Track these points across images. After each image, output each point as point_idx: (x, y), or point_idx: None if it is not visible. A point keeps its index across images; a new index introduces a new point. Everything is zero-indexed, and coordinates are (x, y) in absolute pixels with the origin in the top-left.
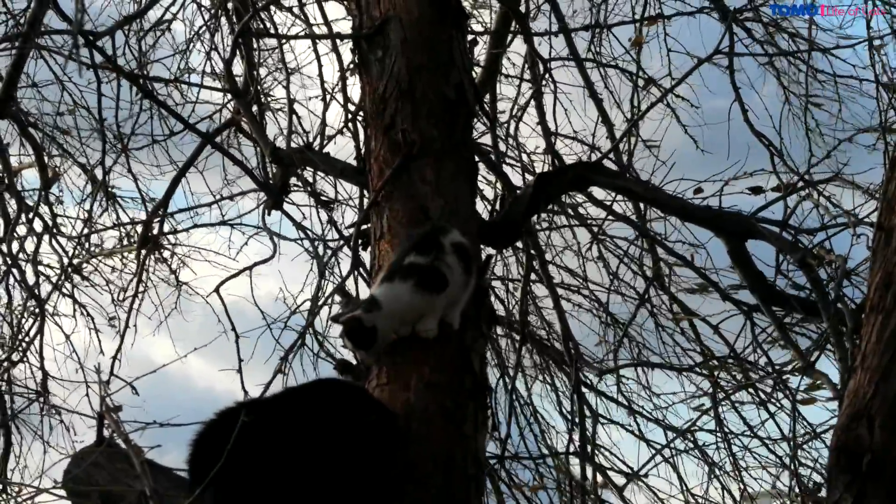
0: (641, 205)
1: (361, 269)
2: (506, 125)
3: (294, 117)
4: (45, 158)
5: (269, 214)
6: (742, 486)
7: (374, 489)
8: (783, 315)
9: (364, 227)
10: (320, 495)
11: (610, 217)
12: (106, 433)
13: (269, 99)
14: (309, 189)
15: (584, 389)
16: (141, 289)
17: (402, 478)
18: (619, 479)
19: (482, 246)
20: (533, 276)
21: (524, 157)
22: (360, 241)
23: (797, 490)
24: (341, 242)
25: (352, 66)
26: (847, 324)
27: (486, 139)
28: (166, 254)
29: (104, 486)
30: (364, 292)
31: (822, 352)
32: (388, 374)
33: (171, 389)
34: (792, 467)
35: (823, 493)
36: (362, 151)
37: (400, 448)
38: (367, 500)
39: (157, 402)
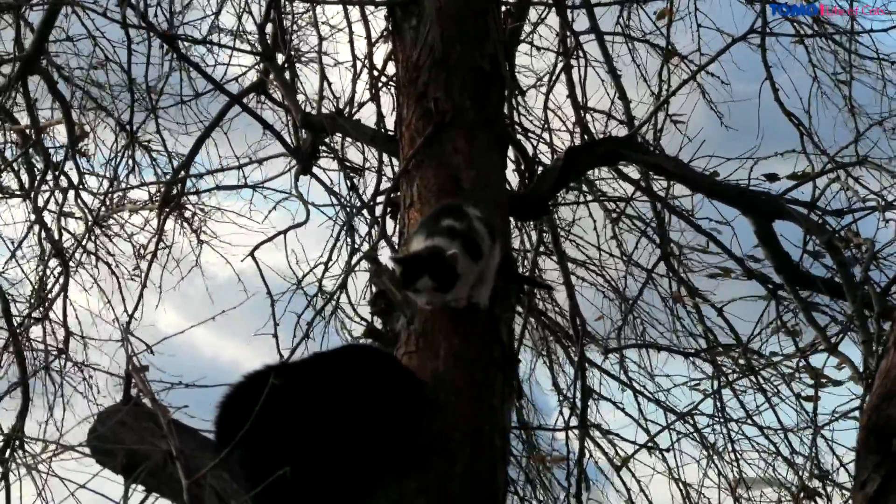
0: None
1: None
2: (535, 96)
3: (325, 83)
4: (74, 115)
5: (297, 181)
6: (738, 472)
7: (401, 457)
8: (808, 296)
9: (394, 194)
10: (347, 460)
11: (638, 194)
12: (133, 392)
13: (300, 60)
14: (338, 156)
15: (587, 366)
16: (161, 246)
17: (428, 448)
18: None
19: (511, 218)
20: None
21: (550, 130)
22: (388, 210)
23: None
24: (369, 207)
25: (385, 33)
26: (874, 307)
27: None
28: (190, 214)
29: (130, 445)
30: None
31: (845, 334)
32: (417, 342)
33: (177, 358)
34: (810, 454)
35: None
36: (393, 119)
37: (428, 417)
38: (394, 467)
39: (165, 370)
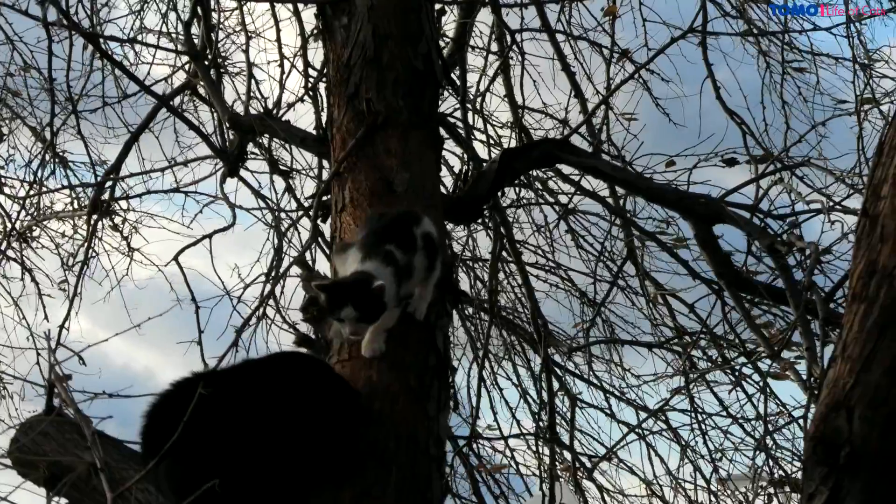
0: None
1: (320, 242)
2: (473, 98)
3: (253, 82)
4: None
5: (224, 182)
6: (715, 468)
7: (334, 467)
8: (750, 300)
9: (325, 198)
10: (278, 471)
11: (579, 193)
12: (55, 402)
13: (227, 63)
14: (267, 157)
15: (554, 369)
16: (91, 255)
17: (363, 456)
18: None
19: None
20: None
21: (491, 130)
22: (319, 213)
23: (768, 472)
24: (300, 213)
25: (315, 31)
26: (819, 313)
27: (451, 110)
28: (118, 220)
29: (52, 457)
30: (322, 265)
31: (788, 340)
32: (350, 350)
33: (87, 368)
34: (764, 449)
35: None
36: (324, 120)
37: (362, 426)
38: (327, 477)
39: (75, 380)
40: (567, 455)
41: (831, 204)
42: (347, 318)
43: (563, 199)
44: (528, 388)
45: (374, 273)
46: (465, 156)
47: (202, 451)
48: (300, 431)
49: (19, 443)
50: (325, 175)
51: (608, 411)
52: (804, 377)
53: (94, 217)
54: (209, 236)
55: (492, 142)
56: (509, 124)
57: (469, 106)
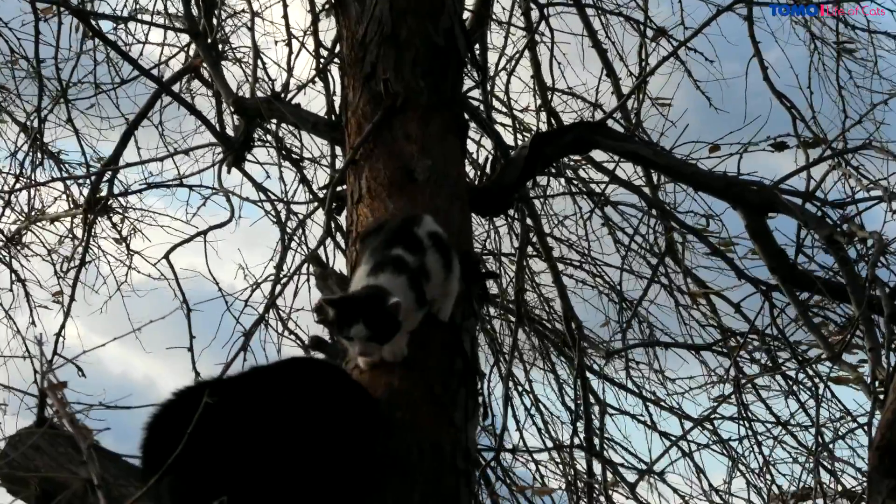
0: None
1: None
2: (496, 78)
3: (259, 64)
4: None
5: (228, 173)
6: (770, 483)
7: (352, 481)
8: (807, 298)
9: (339, 188)
10: (291, 487)
11: (613, 183)
12: (48, 413)
13: (230, 47)
14: (277, 144)
15: (588, 375)
16: (88, 259)
17: (383, 471)
18: (631, 476)
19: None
20: (529, 250)
21: (517, 114)
22: (334, 205)
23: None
24: (312, 206)
25: (327, 6)
26: (884, 309)
27: (475, 93)
28: (116, 219)
29: (45, 473)
30: (337, 262)
31: (850, 339)
32: None
33: (81, 376)
34: (816, 462)
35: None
36: (337, 104)
37: (382, 437)
38: (344, 493)
39: (70, 389)
40: (598, 468)
41: (892, 191)
42: (357, 337)
43: (597, 186)
44: (555, 395)
45: (388, 286)
46: (489, 142)
47: (207, 466)
48: (314, 443)
49: (8, 458)
50: (339, 163)
51: (648, 421)
52: (867, 381)
53: (91, 217)
54: (204, 232)
55: (517, 126)
56: (536, 107)
57: (489, 87)
